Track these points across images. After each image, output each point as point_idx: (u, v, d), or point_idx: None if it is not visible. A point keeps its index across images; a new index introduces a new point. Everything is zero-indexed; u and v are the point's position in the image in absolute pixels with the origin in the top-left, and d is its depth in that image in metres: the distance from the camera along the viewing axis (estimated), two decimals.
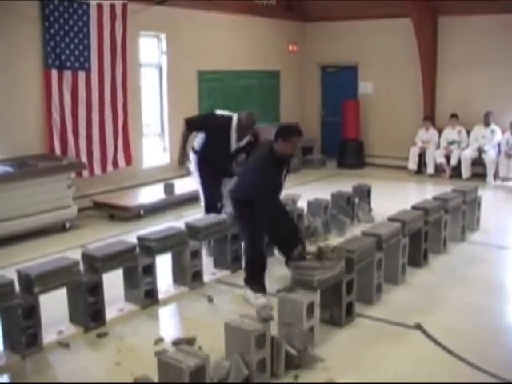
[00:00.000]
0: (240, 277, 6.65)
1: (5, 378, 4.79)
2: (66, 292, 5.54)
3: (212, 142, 7.51)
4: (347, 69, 15.07)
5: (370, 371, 4.76)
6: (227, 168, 7.78)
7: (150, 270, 6.06)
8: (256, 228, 6.06)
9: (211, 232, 6.89)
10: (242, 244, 6.78)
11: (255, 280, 6.21)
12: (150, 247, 6.17)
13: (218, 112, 7.78)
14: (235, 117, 7.49)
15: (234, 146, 7.53)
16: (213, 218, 7.10)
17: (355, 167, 14.19)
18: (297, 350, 4.76)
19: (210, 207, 7.57)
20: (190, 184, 10.85)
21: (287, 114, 15.21)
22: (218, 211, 7.53)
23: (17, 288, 5.11)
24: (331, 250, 5.52)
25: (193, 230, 6.74)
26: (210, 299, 6.27)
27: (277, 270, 6.85)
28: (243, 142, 7.60)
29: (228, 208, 7.24)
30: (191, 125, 7.68)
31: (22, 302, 4.99)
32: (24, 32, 9.23)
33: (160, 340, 5.27)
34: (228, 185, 7.21)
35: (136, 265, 5.94)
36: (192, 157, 7.76)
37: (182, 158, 7.80)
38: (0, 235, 8.07)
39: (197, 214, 8.18)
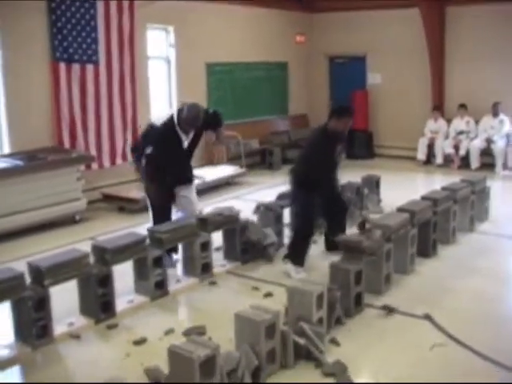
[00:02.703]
0: (249, 269, 6.81)
1: (16, 369, 4.83)
2: (77, 284, 5.57)
3: (163, 146, 6.63)
4: (355, 59, 15.02)
5: (378, 360, 4.78)
6: (184, 172, 6.99)
7: (159, 261, 6.08)
8: (308, 204, 6.59)
9: (221, 223, 6.91)
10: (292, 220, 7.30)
11: (299, 254, 6.67)
12: (160, 239, 6.19)
13: (153, 121, 7.13)
14: (175, 113, 6.75)
15: (184, 140, 6.77)
16: (223, 209, 7.11)
17: (364, 158, 14.16)
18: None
19: (158, 221, 6.74)
20: (199, 176, 10.90)
21: (295, 106, 15.21)
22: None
23: (27, 280, 5.15)
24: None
25: (202, 222, 6.76)
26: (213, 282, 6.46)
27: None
28: (191, 135, 6.84)
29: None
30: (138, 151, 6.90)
31: (33, 294, 5.02)
32: (32, 25, 9.27)
33: (170, 331, 5.29)
34: (186, 193, 6.93)
35: (146, 256, 5.96)
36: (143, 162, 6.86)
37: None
38: (10, 228, 8.13)
39: (207, 207, 8.20)
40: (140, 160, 6.70)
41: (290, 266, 6.64)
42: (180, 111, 6.68)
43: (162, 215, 6.81)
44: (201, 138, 7.05)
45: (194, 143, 6.93)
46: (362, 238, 5.89)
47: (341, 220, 7.21)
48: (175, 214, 7.02)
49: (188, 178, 7.04)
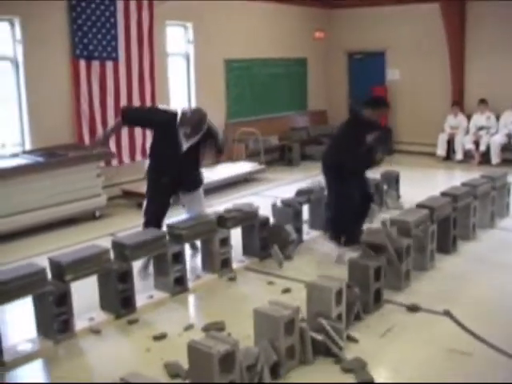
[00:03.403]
0: (267, 265, 6.86)
1: (38, 363, 4.87)
2: (97, 279, 5.61)
3: (160, 143, 6.62)
4: (374, 55, 14.97)
5: (397, 357, 4.78)
6: (185, 176, 6.76)
7: (179, 257, 6.11)
8: (343, 191, 6.92)
9: (239, 220, 6.93)
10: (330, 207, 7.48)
11: (352, 236, 6.94)
12: (179, 235, 6.21)
13: (161, 106, 7.07)
14: (180, 112, 6.57)
15: (184, 144, 6.49)
16: (242, 206, 7.13)
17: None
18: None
19: (150, 223, 6.57)
20: (218, 173, 10.96)
21: (314, 102, 15.19)
22: (159, 227, 6.59)
23: (49, 275, 5.19)
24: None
25: (221, 219, 6.79)
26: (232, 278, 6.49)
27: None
28: (195, 140, 6.54)
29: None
30: (126, 116, 6.70)
31: (54, 289, 5.06)
32: (52, 23, 9.35)
33: (190, 326, 5.31)
34: (187, 200, 6.88)
35: (165, 252, 5.99)
36: (147, 163, 6.90)
37: (103, 139, 6.84)
38: (32, 224, 8.21)
39: (226, 203, 8.21)
40: (126, 122, 6.76)
41: (343, 250, 6.92)
42: (184, 113, 6.48)
43: (151, 217, 6.65)
44: (205, 148, 6.81)
45: (196, 150, 6.67)
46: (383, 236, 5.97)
47: (363, 215, 7.36)
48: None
49: (190, 185, 6.86)
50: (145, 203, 6.84)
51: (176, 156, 6.50)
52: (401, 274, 6.04)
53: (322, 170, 7.27)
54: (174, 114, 6.53)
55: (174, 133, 6.43)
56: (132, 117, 6.79)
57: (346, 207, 7.00)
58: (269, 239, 7.08)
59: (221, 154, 7.29)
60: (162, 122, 6.56)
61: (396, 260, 5.94)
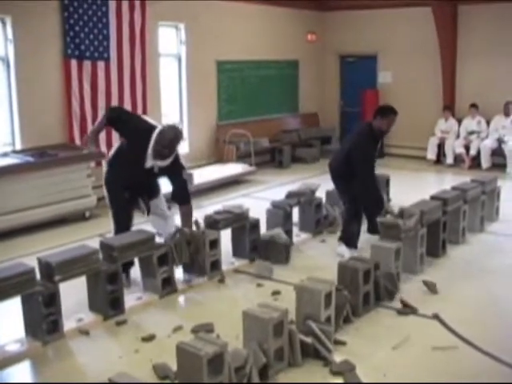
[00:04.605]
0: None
1: (26, 364, 4.85)
2: (86, 280, 5.60)
3: (129, 149, 6.26)
4: (366, 58, 15.00)
5: (386, 359, 4.78)
6: (146, 184, 6.54)
7: (165, 259, 6.09)
8: (353, 195, 7.10)
9: (230, 222, 6.93)
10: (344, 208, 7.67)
11: (351, 238, 7.24)
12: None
13: (144, 117, 6.73)
14: (158, 129, 6.10)
15: (148, 161, 6.12)
16: (232, 207, 7.13)
17: None
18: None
19: (120, 230, 6.28)
20: (208, 174, 10.96)
21: (306, 104, 15.20)
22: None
23: (38, 276, 5.17)
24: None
25: (211, 221, 6.78)
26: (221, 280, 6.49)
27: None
28: (166, 163, 6.13)
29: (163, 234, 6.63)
30: (110, 115, 6.46)
31: (43, 289, 5.05)
32: (44, 22, 9.32)
33: (179, 328, 5.31)
34: (153, 207, 6.57)
35: (152, 254, 5.98)
36: (104, 170, 6.58)
37: (89, 140, 6.49)
38: (21, 224, 8.17)
39: (216, 204, 8.21)
40: (110, 121, 6.41)
41: (343, 249, 7.18)
42: (162, 132, 6.03)
43: (117, 221, 6.42)
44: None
45: (155, 174, 6.38)
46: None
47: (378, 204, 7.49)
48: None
49: (150, 194, 6.58)
50: (111, 215, 6.52)
51: (139, 170, 6.21)
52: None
53: (332, 177, 7.46)
54: (153, 127, 6.14)
55: (144, 146, 6.04)
56: (115, 117, 6.39)
57: (355, 209, 7.24)
58: (263, 248, 7.09)
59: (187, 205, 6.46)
60: (140, 130, 6.18)
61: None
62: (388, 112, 7.11)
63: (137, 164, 6.15)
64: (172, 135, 6.02)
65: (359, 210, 7.29)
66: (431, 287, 6.08)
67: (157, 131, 6.04)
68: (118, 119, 6.35)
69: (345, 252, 7.09)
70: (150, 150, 6.02)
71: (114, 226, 6.46)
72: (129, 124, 6.31)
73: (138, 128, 6.24)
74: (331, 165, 7.46)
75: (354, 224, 7.27)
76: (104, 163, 9.66)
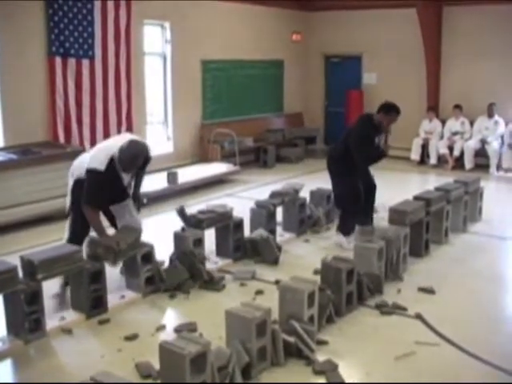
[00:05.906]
0: (241, 266, 6.86)
1: (8, 363, 4.83)
2: (69, 279, 5.57)
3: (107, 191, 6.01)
4: (351, 59, 15.06)
5: (368, 358, 4.81)
6: (116, 196, 6.26)
7: (148, 258, 6.09)
8: (351, 182, 7.41)
9: (214, 221, 6.92)
10: (336, 198, 7.86)
11: (348, 227, 7.56)
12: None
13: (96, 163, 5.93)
14: (116, 153, 5.86)
15: (125, 180, 6.15)
16: (216, 207, 7.13)
17: None
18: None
19: (74, 240, 6.00)
20: (193, 173, 10.96)
21: (291, 104, 15.23)
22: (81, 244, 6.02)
23: (20, 274, 5.14)
24: None
25: (196, 219, 6.77)
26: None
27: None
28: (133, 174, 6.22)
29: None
30: (97, 204, 6.01)
31: (26, 287, 5.02)
32: (29, 20, 9.26)
33: (162, 327, 5.31)
34: (113, 211, 6.28)
35: (135, 253, 5.97)
36: (70, 181, 6.27)
37: (113, 255, 5.82)
38: (4, 222, 8.12)
39: (200, 204, 8.20)
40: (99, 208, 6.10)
41: (341, 238, 7.53)
42: (121, 150, 5.84)
43: (74, 230, 6.20)
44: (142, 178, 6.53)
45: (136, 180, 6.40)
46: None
47: (373, 201, 8.06)
48: None
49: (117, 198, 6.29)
50: (69, 223, 6.31)
51: (117, 190, 6.14)
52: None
53: (328, 163, 7.67)
54: (112, 161, 5.85)
55: (118, 176, 6.01)
56: (96, 200, 5.95)
57: (351, 196, 7.45)
58: (253, 247, 7.10)
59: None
60: (109, 179, 5.91)
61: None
62: (391, 110, 7.37)
63: (119, 189, 6.15)
64: (133, 152, 5.88)
65: (356, 200, 7.45)
66: (428, 289, 6.16)
67: (116, 155, 5.85)
68: (98, 199, 5.97)
69: (343, 242, 7.46)
70: (119, 172, 5.95)
71: (68, 235, 6.19)
72: (104, 187, 5.93)
73: (108, 178, 5.91)
74: (330, 152, 7.83)
75: (352, 212, 7.54)
76: None
